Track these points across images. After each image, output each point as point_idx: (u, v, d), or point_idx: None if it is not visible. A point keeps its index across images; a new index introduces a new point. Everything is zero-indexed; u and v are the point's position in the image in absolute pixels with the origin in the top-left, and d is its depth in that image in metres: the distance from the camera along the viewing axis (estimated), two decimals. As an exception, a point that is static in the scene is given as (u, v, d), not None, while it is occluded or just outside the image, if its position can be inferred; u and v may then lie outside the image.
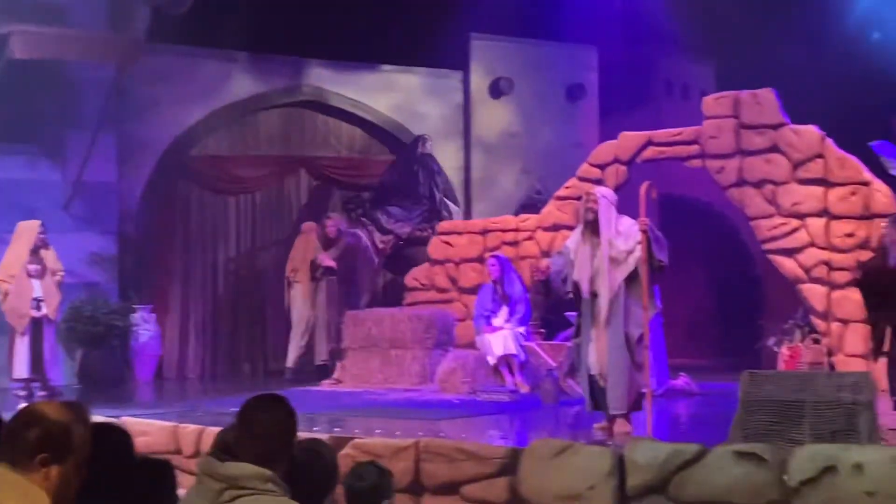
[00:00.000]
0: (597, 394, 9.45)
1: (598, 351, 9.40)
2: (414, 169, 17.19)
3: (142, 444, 8.87)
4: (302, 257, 15.44)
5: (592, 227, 9.41)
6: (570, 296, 9.58)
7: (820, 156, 13.25)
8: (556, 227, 14.93)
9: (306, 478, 4.63)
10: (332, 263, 14.99)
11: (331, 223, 15.58)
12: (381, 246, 16.67)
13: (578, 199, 14.30)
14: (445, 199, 17.32)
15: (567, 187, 15.20)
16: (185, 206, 16.61)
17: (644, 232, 9.11)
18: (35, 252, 13.28)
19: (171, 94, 16.17)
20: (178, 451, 9.34)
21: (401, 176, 17.31)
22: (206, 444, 8.34)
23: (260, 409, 4.46)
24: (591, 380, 9.44)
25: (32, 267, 13.26)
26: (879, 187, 12.49)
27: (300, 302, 15.35)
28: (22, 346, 13.21)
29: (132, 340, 15.23)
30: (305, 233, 15.73)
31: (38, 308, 13.20)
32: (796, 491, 7.07)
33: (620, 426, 9.34)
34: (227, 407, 9.55)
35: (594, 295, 9.38)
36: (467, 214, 17.73)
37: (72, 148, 15.20)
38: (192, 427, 9.53)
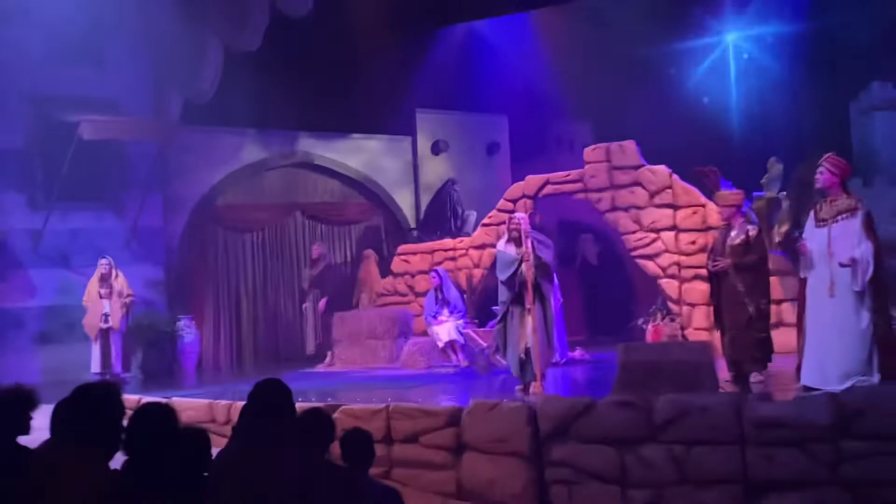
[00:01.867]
0: (522, 365, 9.46)
1: (525, 331, 9.41)
2: (443, 200, 17.26)
3: (186, 416, 8.87)
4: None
5: (517, 241, 9.47)
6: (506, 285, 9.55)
7: (669, 187, 13.39)
8: (483, 246, 15.00)
9: (311, 436, 4.64)
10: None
11: (315, 248, 15.54)
12: None
13: (499, 224, 14.53)
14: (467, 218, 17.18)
15: (490, 217, 15.27)
16: (214, 242, 16.52)
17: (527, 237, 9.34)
18: (104, 280, 13.20)
19: (200, 161, 16.14)
20: (213, 421, 9.31)
21: (435, 205, 17.46)
22: (235, 415, 8.34)
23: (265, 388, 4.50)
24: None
25: (102, 290, 13.18)
26: (712, 207, 12.63)
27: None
28: (95, 349, 13.14)
29: (178, 341, 15.15)
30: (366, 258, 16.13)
31: (106, 321, 13.10)
32: (661, 427, 7.14)
33: (536, 388, 9.37)
34: (249, 387, 9.52)
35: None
36: (419, 239, 17.73)
37: (128, 203, 15.11)
38: (223, 402, 9.50)
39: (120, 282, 13.29)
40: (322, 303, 14.81)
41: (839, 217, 8.05)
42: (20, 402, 4.69)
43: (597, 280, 17.41)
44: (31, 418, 4.73)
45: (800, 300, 8.41)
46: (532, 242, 9.33)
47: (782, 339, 10.23)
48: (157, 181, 15.42)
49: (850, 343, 7.87)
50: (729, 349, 9.02)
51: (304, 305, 15.33)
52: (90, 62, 14.81)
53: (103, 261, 13.31)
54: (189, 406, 9.50)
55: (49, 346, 14.17)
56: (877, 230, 8.04)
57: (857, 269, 7.80)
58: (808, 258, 8.24)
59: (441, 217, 17.13)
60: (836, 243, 7.99)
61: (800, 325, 8.36)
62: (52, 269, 14.47)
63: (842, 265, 7.86)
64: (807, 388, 7.97)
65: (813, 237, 8.19)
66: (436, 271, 13.93)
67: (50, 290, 14.42)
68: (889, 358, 7.84)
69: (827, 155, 8.36)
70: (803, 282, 8.31)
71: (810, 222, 8.30)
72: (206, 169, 16.27)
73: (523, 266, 9.29)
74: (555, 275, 9.86)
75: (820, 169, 8.23)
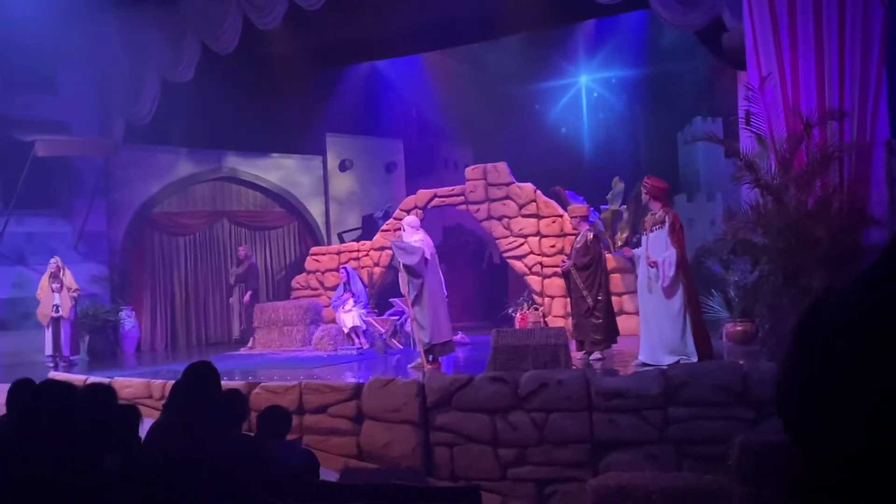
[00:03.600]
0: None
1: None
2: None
3: (127, 394, 8.61)
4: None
5: None
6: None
7: (534, 201, 13.57)
8: (381, 248, 14.93)
9: (229, 411, 4.55)
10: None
11: (241, 250, 15.34)
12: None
13: (396, 231, 14.51)
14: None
15: (387, 224, 15.23)
16: (151, 244, 16.09)
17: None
18: (54, 276, 12.75)
19: (140, 175, 15.71)
20: (150, 397, 9.05)
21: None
22: (167, 392, 8.10)
23: (193, 369, 4.40)
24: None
25: (53, 285, 12.72)
26: (567, 218, 12.85)
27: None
28: (48, 335, 12.70)
29: (120, 328, 14.74)
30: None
31: (57, 311, 12.66)
32: (525, 398, 7.22)
33: (428, 365, 9.36)
34: (181, 368, 9.30)
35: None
36: (328, 242, 17.59)
37: (77, 210, 14.59)
38: (158, 381, 9.25)
39: (68, 277, 12.87)
40: (248, 296, 14.62)
41: (654, 228, 8.32)
42: None
43: (476, 277, 17.57)
44: None
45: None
46: (393, 247, 9.52)
47: (625, 324, 10.51)
48: (102, 191, 14.96)
49: (667, 328, 8.14)
50: (574, 332, 9.22)
51: (230, 298, 15.09)
52: (43, 89, 14.33)
53: (52, 260, 12.93)
54: (128, 384, 9.21)
55: (7, 333, 13.69)
56: (684, 237, 8.29)
57: (660, 270, 8.09)
58: (630, 260, 8.75)
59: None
60: (650, 249, 8.27)
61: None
62: (10, 267, 13.97)
63: (649, 265, 8.17)
64: (644, 364, 8.19)
65: (642, 243, 8.49)
66: (344, 268, 13.84)
67: (7, 285, 13.93)
68: (702, 341, 8.12)
69: (645, 178, 8.65)
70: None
71: (640, 232, 8.61)
72: (145, 181, 15.85)
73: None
74: (439, 270, 9.83)
75: (643, 189, 8.57)
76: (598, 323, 9.08)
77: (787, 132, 8.45)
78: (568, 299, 9.80)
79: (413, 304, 9.36)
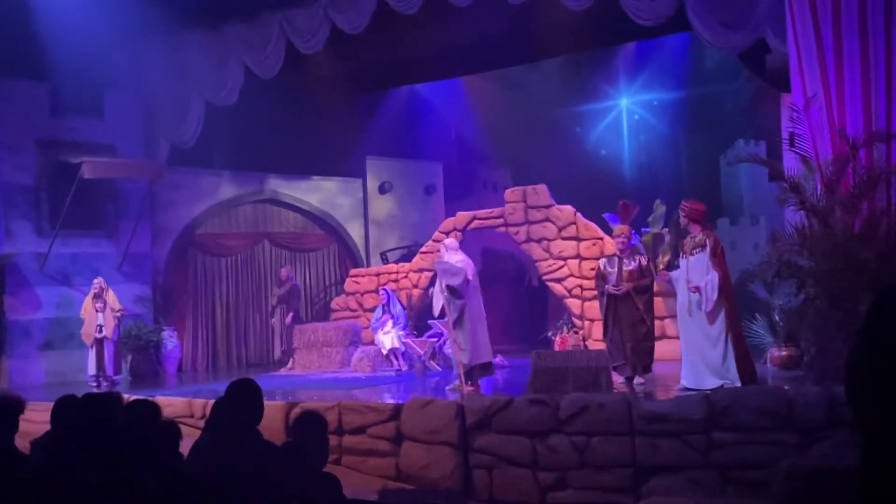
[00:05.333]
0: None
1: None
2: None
3: (169, 412, 8.69)
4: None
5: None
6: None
7: (574, 223, 13.52)
8: (420, 270, 14.97)
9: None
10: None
11: (284, 271, 15.43)
12: None
13: (434, 252, 14.54)
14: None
15: (426, 246, 15.26)
16: (194, 265, 16.31)
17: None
18: (98, 296, 12.95)
19: (183, 197, 15.96)
20: (191, 416, 9.15)
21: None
22: (208, 410, 8.18)
23: (238, 387, 4.43)
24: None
25: (97, 305, 12.93)
26: (609, 240, 12.74)
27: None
28: (91, 355, 12.88)
29: (162, 348, 14.93)
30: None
31: (100, 331, 12.84)
32: (566, 421, 7.17)
33: (467, 387, 9.34)
34: (222, 387, 9.37)
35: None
36: (368, 264, 17.68)
37: (121, 231, 14.81)
38: (200, 400, 9.34)
39: (111, 298, 13.06)
40: (289, 317, 14.71)
41: (694, 251, 8.24)
42: (9, 407, 4.58)
43: (515, 299, 17.52)
44: (18, 420, 4.61)
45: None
46: (439, 271, 9.50)
47: (666, 348, 10.40)
48: (147, 213, 15.18)
49: (709, 352, 8.05)
50: (631, 356, 9.06)
51: (272, 319, 15.21)
52: (90, 112, 14.64)
53: (96, 281, 13.13)
54: (170, 403, 9.32)
55: (52, 353, 13.94)
56: (726, 261, 8.20)
57: (702, 295, 8.01)
58: (670, 283, 8.74)
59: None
60: (691, 273, 8.19)
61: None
62: (55, 287, 14.20)
63: (691, 291, 8.09)
64: (686, 389, 8.10)
65: (681, 266, 8.40)
66: (384, 289, 13.86)
67: (52, 305, 14.15)
68: (745, 365, 8.01)
69: (683, 201, 8.54)
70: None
71: (680, 255, 8.51)
72: (189, 203, 16.08)
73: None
74: (479, 292, 9.81)
75: (681, 212, 8.45)
76: (651, 346, 9.03)
77: (832, 154, 8.35)
78: (609, 322, 9.52)
79: (454, 326, 9.36)
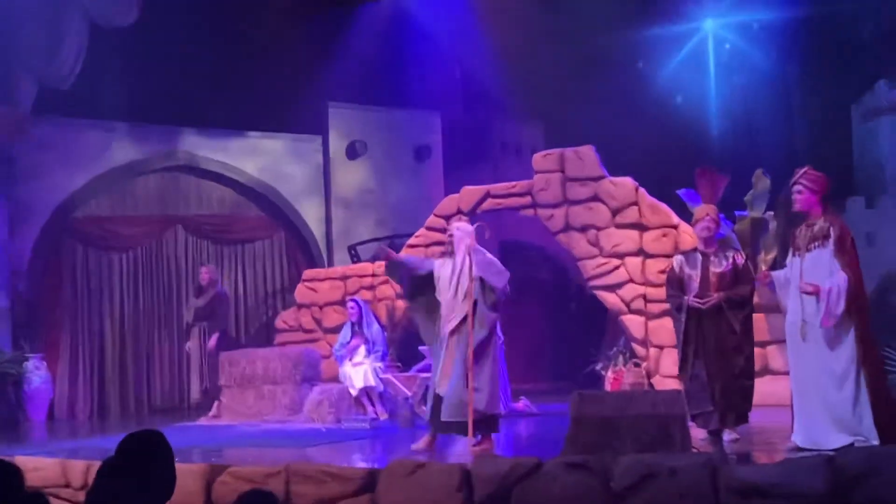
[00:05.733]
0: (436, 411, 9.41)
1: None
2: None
3: (36, 478, 8.67)
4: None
5: (450, 254, 9.54)
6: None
7: (635, 203, 13.54)
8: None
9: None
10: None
11: (204, 272, 15.35)
12: None
13: (429, 246, 14.54)
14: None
15: (417, 236, 15.28)
16: (72, 263, 16.36)
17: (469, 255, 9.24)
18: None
19: (57, 161, 15.97)
20: (68, 485, 9.13)
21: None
22: (92, 476, 8.16)
23: (136, 443, 4.44)
24: (437, 397, 9.40)
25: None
26: (686, 229, 12.77)
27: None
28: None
29: (25, 385, 14.94)
30: None
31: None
32: (621, 496, 7.16)
33: (476, 445, 9.32)
34: (113, 443, 9.36)
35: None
36: (329, 262, 17.70)
37: (-37, 213, 14.90)
38: (79, 462, 9.33)
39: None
40: (212, 340, 14.63)
41: (813, 245, 8.21)
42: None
43: (547, 316, 17.52)
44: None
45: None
46: (472, 262, 9.31)
47: (769, 388, 10.38)
48: (2, 186, 15.19)
49: (832, 393, 8.02)
50: (720, 401, 9.02)
51: (187, 344, 15.13)
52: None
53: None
54: (37, 466, 9.29)
55: None
56: (858, 259, 8.16)
57: (820, 302, 7.94)
58: (773, 288, 8.59)
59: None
60: (807, 276, 8.14)
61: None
62: None
63: (805, 294, 8.03)
64: (799, 449, 8.09)
65: (790, 268, 8.36)
66: (354, 301, 13.84)
67: None
68: (886, 413, 7.99)
69: (803, 169, 8.46)
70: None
71: (789, 251, 8.47)
72: (65, 171, 16.11)
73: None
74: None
75: (797, 187, 8.36)
76: (750, 387, 8.99)
77: None
78: (689, 351, 9.47)
79: (476, 355, 9.33)
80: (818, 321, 8.01)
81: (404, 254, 10.32)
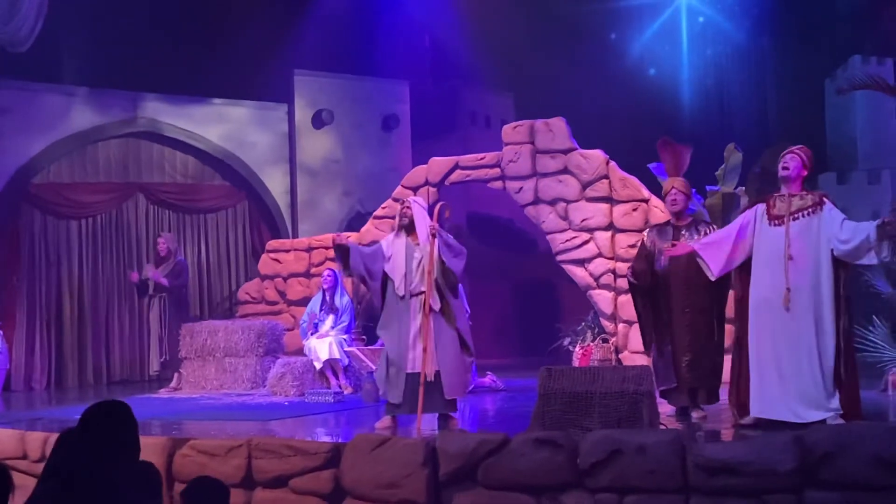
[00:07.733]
0: (412, 392, 9.16)
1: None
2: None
3: (-11, 451, 8.66)
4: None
5: (408, 230, 9.42)
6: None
7: (605, 177, 13.55)
8: (374, 243, 14.92)
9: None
10: (163, 280, 14.62)
11: (162, 242, 15.23)
12: None
13: (393, 217, 14.51)
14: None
15: (383, 208, 15.26)
16: (29, 231, 16.24)
17: (433, 236, 9.14)
18: None
19: (13, 127, 15.85)
20: (25, 457, 9.09)
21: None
22: (51, 448, 8.14)
23: (101, 414, 4.41)
24: (410, 378, 9.15)
25: None
26: (657, 203, 12.81)
27: None
28: None
29: (-20, 357, 14.88)
30: None
31: None
32: (588, 472, 7.18)
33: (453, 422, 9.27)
34: (72, 415, 9.36)
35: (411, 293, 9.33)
36: (294, 233, 17.66)
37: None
38: (37, 434, 9.29)
39: None
40: (172, 310, 14.59)
41: (799, 214, 8.23)
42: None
43: (515, 291, 17.54)
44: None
45: (737, 314, 8.64)
46: (438, 244, 9.22)
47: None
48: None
49: (810, 367, 8.07)
50: (688, 377, 9.07)
51: (148, 314, 15.06)
52: None
53: None
54: (-7, 438, 9.28)
55: None
56: None
57: (862, 244, 7.91)
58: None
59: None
60: (795, 244, 8.17)
61: (739, 345, 8.57)
62: None
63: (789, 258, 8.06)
64: (758, 420, 8.15)
65: (764, 238, 8.37)
66: (331, 271, 13.67)
67: None
68: (851, 389, 8.06)
69: (794, 147, 8.56)
70: (744, 294, 8.51)
71: (760, 221, 8.46)
72: (23, 137, 15.99)
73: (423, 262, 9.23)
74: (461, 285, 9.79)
75: (791, 154, 8.40)
76: (719, 363, 9.05)
77: None
78: (657, 326, 9.51)
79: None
80: (874, 254, 7.97)
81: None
